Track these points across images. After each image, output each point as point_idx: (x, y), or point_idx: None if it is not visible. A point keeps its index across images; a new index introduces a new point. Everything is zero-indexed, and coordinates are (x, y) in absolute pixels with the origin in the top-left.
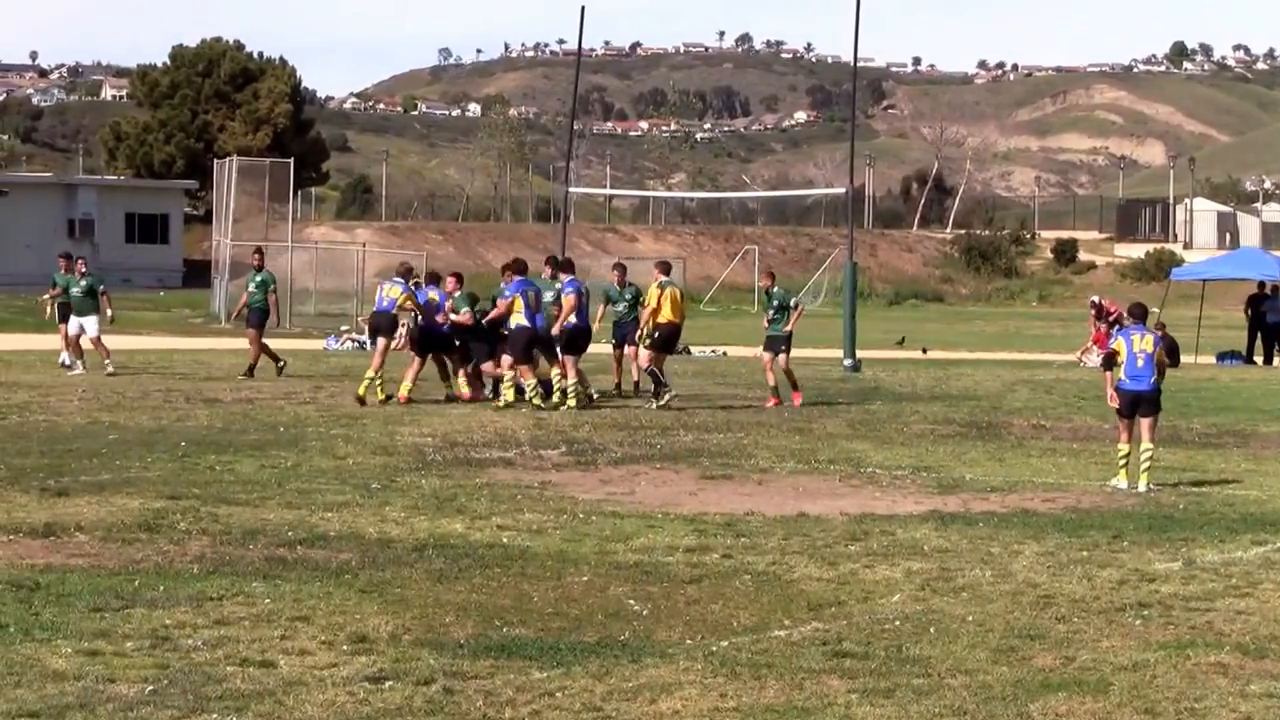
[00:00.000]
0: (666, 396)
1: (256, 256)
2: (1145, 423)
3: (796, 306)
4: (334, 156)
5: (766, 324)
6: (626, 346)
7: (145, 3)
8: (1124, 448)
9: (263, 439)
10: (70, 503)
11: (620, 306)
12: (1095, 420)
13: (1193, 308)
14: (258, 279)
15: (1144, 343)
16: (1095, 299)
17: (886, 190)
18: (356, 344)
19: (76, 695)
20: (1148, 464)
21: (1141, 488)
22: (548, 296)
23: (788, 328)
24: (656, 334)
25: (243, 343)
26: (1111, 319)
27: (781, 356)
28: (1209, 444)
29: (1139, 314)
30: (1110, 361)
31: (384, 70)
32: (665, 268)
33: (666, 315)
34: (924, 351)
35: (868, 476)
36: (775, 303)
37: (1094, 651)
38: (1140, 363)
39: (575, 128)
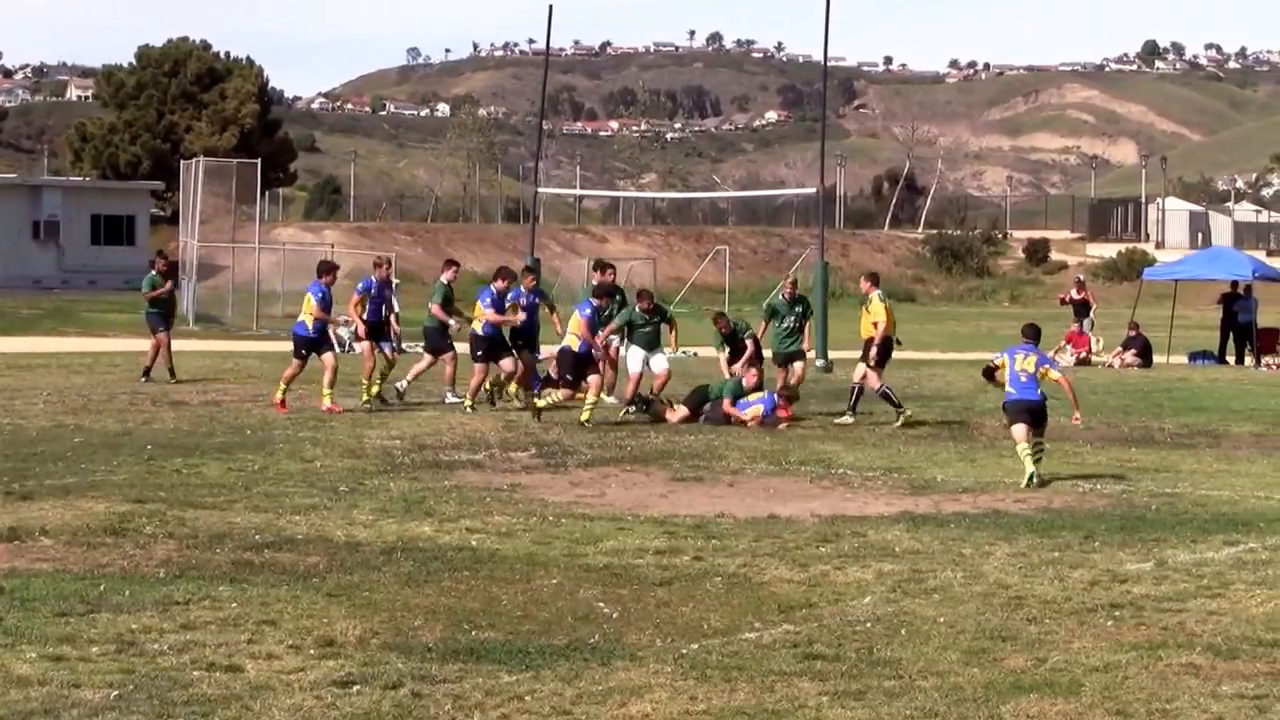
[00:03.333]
0: (904, 415)
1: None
2: (1037, 430)
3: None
4: (302, 157)
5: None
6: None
7: (111, 3)
8: (1024, 445)
9: (230, 442)
10: (35, 506)
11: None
12: (1067, 420)
13: (1165, 307)
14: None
15: (1026, 363)
16: (1081, 278)
17: (858, 190)
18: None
19: (41, 701)
20: (1039, 455)
21: (1030, 469)
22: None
23: (805, 342)
24: (878, 349)
25: (208, 345)
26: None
27: (798, 365)
28: (1181, 444)
29: (1031, 334)
30: (990, 375)
31: (352, 70)
32: (876, 279)
33: (885, 328)
34: (899, 343)
35: (839, 478)
36: (799, 310)
37: (1065, 653)
38: (1023, 379)
39: (545, 128)
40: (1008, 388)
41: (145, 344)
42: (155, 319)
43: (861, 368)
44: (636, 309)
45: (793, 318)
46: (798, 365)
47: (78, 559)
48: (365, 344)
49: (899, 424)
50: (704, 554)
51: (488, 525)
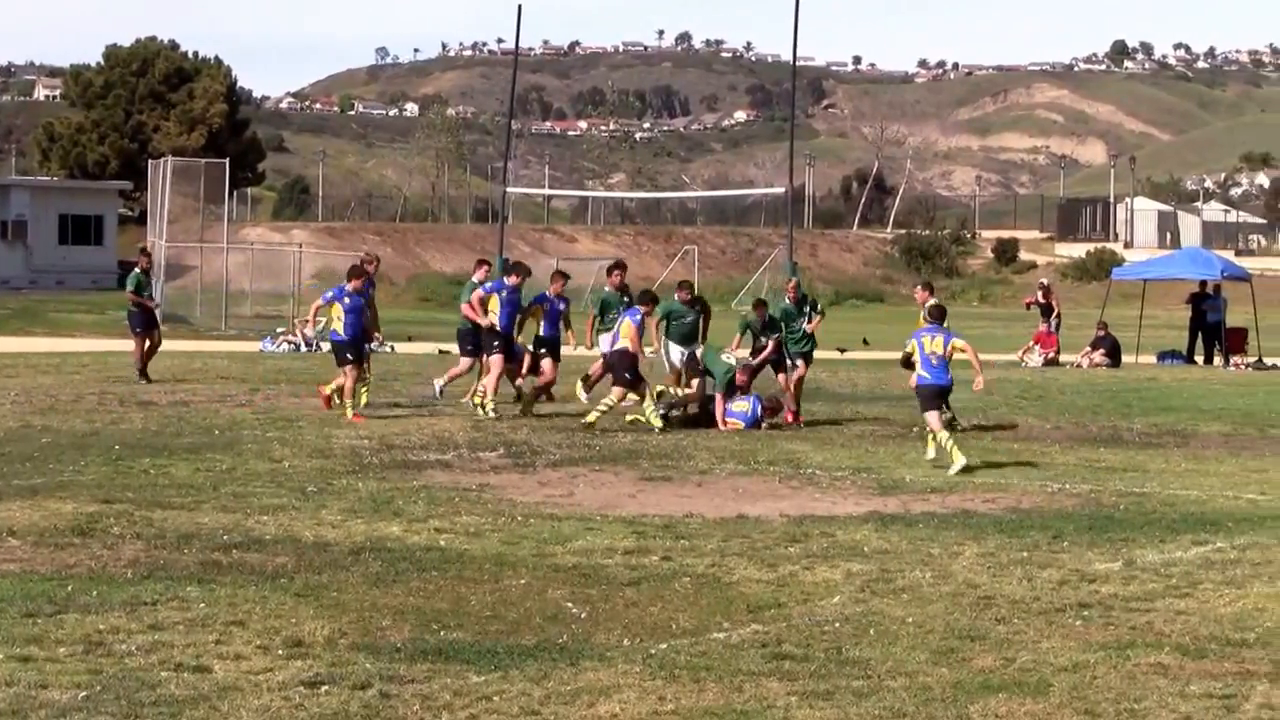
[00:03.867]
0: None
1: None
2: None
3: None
4: (270, 157)
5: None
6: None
7: (79, 2)
8: (943, 433)
9: (198, 442)
10: (2, 507)
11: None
12: (1036, 420)
13: (1134, 307)
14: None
15: (934, 344)
16: (1045, 281)
17: (827, 190)
18: (292, 346)
19: (8, 702)
20: (957, 432)
21: (933, 451)
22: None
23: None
24: None
25: (176, 345)
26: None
27: (780, 376)
28: (1150, 444)
29: (936, 315)
30: (908, 362)
31: (320, 70)
32: (931, 288)
33: None
34: (865, 342)
35: (807, 478)
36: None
37: (1034, 652)
38: (934, 361)
39: (513, 127)
40: (920, 370)
41: (112, 344)
42: (135, 318)
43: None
44: (675, 298)
45: (803, 319)
46: (801, 363)
47: (45, 559)
48: None
49: (964, 422)
50: (672, 554)
51: (456, 525)
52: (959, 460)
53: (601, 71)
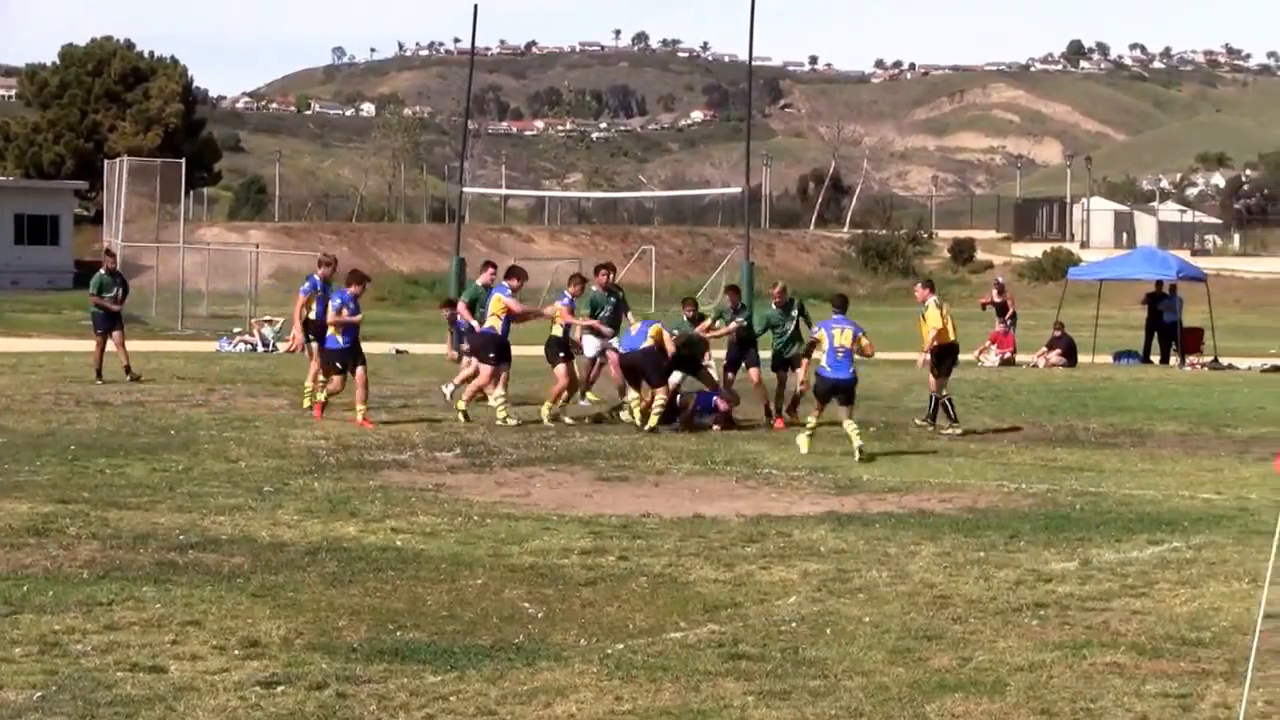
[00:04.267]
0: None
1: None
2: (844, 410)
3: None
4: (226, 157)
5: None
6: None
7: (35, 2)
8: (813, 420)
9: (154, 442)
10: None
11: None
12: (992, 420)
13: (1090, 307)
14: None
15: (843, 337)
16: (1000, 280)
17: (783, 190)
18: (249, 346)
19: None
20: (856, 431)
21: (857, 442)
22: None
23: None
24: (934, 355)
25: (132, 345)
26: (1009, 313)
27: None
28: (1106, 444)
29: (840, 305)
30: (812, 349)
31: (277, 69)
32: (932, 285)
33: (950, 335)
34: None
35: (764, 478)
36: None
37: (990, 652)
38: (840, 355)
39: (470, 127)
40: (823, 363)
41: (68, 344)
42: (97, 318)
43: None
44: (684, 317)
45: (790, 323)
46: (799, 371)
47: (0, 560)
48: (315, 344)
49: (958, 432)
50: (629, 554)
51: (413, 525)
52: (803, 447)
53: (558, 71)
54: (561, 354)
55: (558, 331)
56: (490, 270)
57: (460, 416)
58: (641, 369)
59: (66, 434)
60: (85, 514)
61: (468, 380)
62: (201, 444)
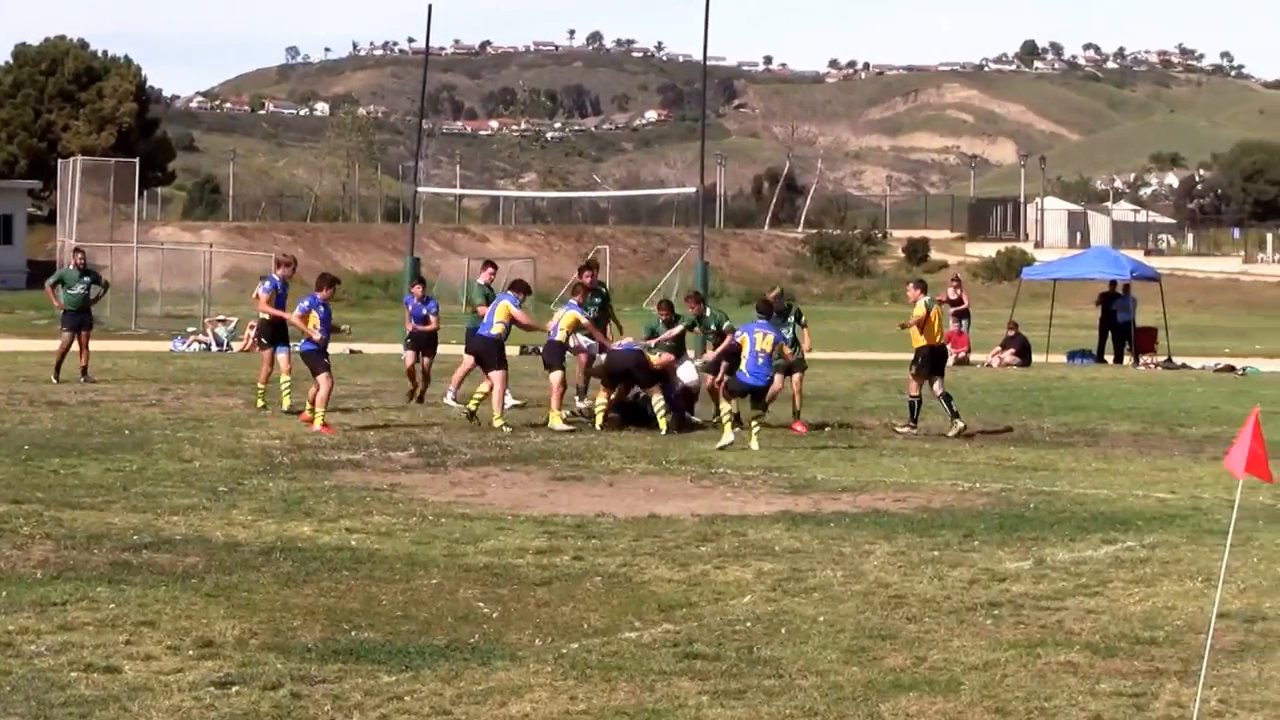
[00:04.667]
0: (912, 427)
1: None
2: (758, 404)
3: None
4: (180, 156)
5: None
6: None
7: None
8: (728, 407)
9: (108, 442)
10: None
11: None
12: (945, 419)
13: (1044, 307)
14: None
15: (764, 342)
16: (958, 276)
17: (738, 190)
18: (203, 345)
19: None
20: (757, 428)
21: (754, 445)
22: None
23: (805, 346)
24: (918, 357)
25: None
26: (957, 310)
27: (796, 376)
28: (1060, 443)
29: (764, 310)
30: (734, 354)
31: (231, 69)
32: (924, 286)
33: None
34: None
35: (719, 477)
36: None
37: (945, 651)
38: (760, 360)
39: (424, 127)
40: (742, 368)
41: (21, 344)
42: (66, 316)
43: (938, 380)
44: (659, 320)
45: (788, 328)
46: (796, 376)
47: None
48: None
49: (905, 430)
50: (584, 553)
51: (367, 525)
52: (726, 436)
53: (513, 71)
54: (555, 360)
55: (560, 336)
56: (490, 270)
57: (502, 428)
58: (626, 370)
59: (20, 434)
60: (39, 514)
61: (464, 381)
62: (155, 444)
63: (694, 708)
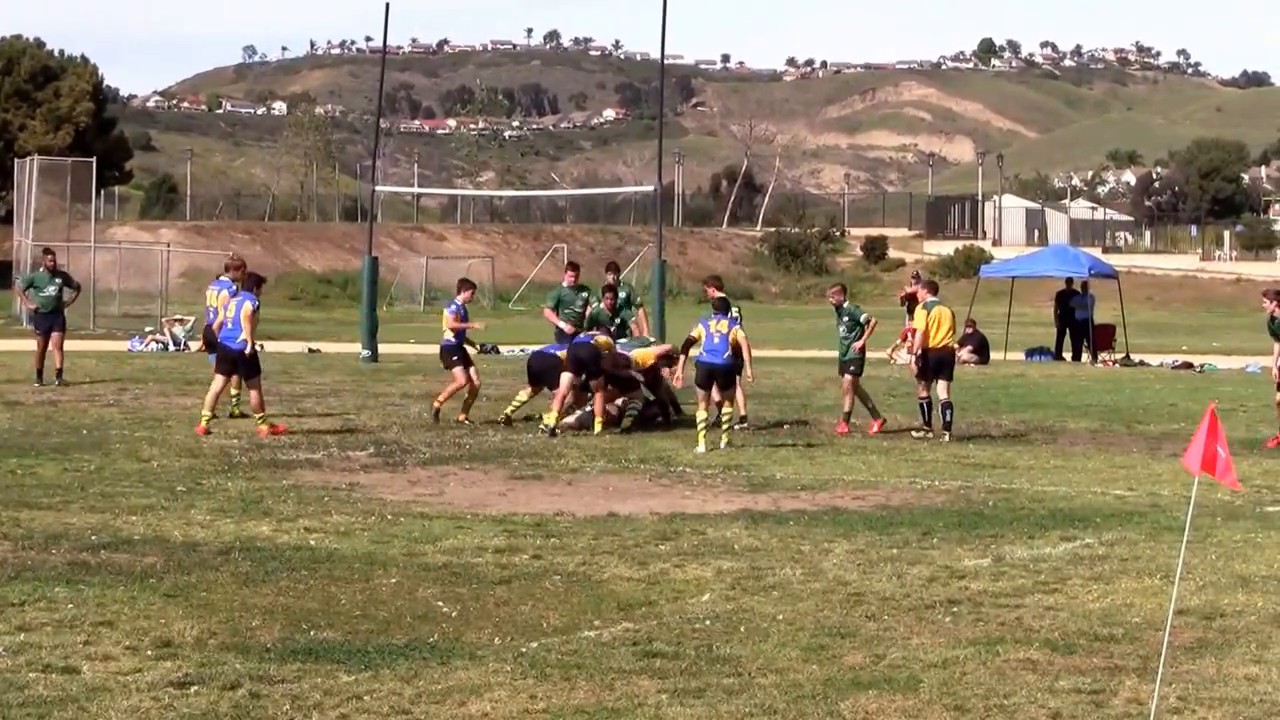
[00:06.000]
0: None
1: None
2: (723, 393)
3: (869, 323)
4: (137, 155)
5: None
6: None
7: None
8: (703, 415)
9: (65, 442)
10: None
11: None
12: (905, 417)
13: (1002, 304)
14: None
15: (719, 325)
16: (919, 272)
17: (696, 188)
18: (161, 345)
19: None
20: (727, 425)
21: (723, 446)
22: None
23: (858, 345)
24: (918, 358)
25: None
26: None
27: (847, 379)
28: (1018, 440)
29: (720, 307)
30: (689, 345)
31: (188, 68)
32: (935, 287)
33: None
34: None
35: (678, 475)
36: (846, 319)
37: (904, 649)
38: (716, 340)
39: (382, 126)
40: (700, 350)
41: None
42: (38, 319)
43: (942, 384)
44: (564, 283)
45: (843, 326)
46: (846, 379)
47: None
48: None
49: (920, 434)
50: (543, 552)
51: (326, 525)
52: (700, 444)
53: (470, 70)
54: (455, 357)
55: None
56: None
57: (550, 432)
58: (588, 365)
59: None
60: None
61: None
62: (113, 444)
63: (654, 706)
